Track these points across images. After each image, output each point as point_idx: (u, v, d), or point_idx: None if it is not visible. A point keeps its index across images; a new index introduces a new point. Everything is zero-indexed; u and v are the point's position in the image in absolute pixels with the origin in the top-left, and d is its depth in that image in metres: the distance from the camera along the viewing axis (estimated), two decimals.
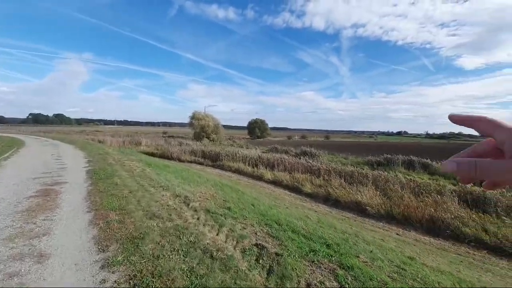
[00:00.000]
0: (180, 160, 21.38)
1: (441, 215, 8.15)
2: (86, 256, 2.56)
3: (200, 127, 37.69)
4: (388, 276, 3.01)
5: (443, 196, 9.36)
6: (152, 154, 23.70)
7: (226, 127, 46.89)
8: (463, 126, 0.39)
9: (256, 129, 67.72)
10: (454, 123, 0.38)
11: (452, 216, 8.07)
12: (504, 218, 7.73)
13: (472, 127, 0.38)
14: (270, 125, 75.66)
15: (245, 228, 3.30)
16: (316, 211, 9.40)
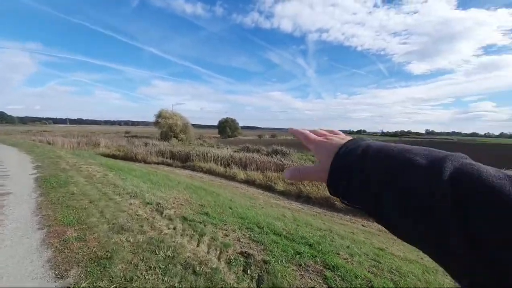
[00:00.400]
0: (146, 162, 19.94)
1: None
2: (41, 285, 2.08)
3: (167, 126, 35.65)
4: (369, 272, 3.08)
5: None
6: (113, 156, 21.69)
7: (195, 126, 45.31)
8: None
9: (226, 128, 66.87)
10: (292, 134, 0.49)
11: None
12: None
13: (300, 140, 0.47)
14: (240, 124, 75.42)
15: (227, 235, 3.07)
16: (290, 209, 9.54)
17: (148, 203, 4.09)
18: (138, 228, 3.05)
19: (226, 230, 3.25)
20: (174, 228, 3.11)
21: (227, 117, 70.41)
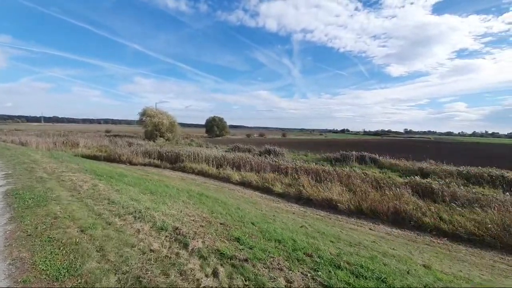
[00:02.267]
0: (131, 163, 18.12)
1: (404, 207, 8.50)
2: None
3: (152, 125, 33.25)
4: None
5: (400, 189, 9.94)
6: (95, 158, 19.51)
7: (181, 125, 42.99)
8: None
9: (214, 127, 64.66)
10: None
11: (413, 208, 8.50)
12: (455, 205, 8.46)
13: None
14: (227, 123, 73.58)
15: (290, 282, 2.13)
16: (294, 213, 8.78)
17: (162, 229, 3.01)
18: (162, 279, 1.99)
19: (281, 269, 2.33)
20: (216, 275, 2.09)
21: (214, 116, 68.19)
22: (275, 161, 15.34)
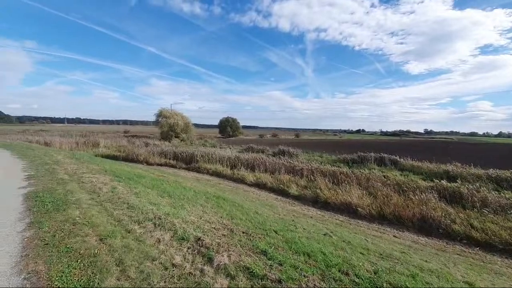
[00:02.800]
0: (148, 163, 18.38)
1: (431, 213, 7.86)
2: None
3: (168, 126, 33.78)
4: None
5: (426, 193, 9.22)
6: (114, 157, 20.00)
7: (195, 125, 43.45)
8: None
9: (227, 127, 64.71)
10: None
11: (442, 214, 7.83)
12: (486, 212, 7.73)
13: None
14: (240, 123, 73.57)
15: None
16: (312, 217, 8.35)
17: (183, 239, 2.76)
18: None
19: None
20: None
21: (228, 116, 68.19)
22: (290, 162, 14.93)
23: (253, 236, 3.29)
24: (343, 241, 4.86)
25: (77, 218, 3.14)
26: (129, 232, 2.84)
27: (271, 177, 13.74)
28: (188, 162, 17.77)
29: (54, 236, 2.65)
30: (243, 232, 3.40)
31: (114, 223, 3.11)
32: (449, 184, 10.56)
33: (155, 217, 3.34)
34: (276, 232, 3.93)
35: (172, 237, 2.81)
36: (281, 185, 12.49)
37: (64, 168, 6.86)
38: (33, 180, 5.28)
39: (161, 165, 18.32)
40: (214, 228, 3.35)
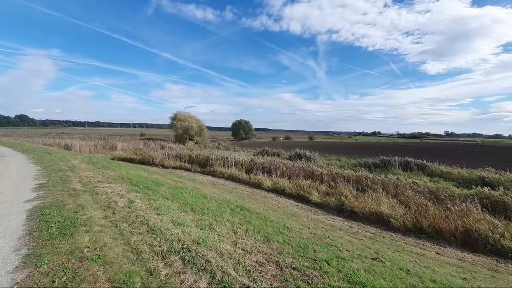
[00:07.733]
0: (164, 167, 18.10)
1: (476, 226, 6.79)
2: None
3: (182, 129, 33.74)
4: None
5: (466, 203, 8.09)
6: (130, 160, 19.94)
7: (207, 128, 43.51)
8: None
9: (240, 130, 64.11)
10: None
11: (489, 227, 6.74)
12: None
13: None
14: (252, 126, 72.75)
15: None
16: (341, 229, 7.45)
17: (221, 282, 2.09)
18: None
19: None
20: None
21: (240, 119, 67.57)
22: (309, 166, 14.04)
23: (307, 276, 2.57)
24: (400, 268, 4.00)
25: (85, 250, 2.54)
26: (151, 275, 2.18)
27: (290, 182, 12.90)
28: (203, 166, 17.29)
29: (53, 281, 2.03)
30: (294, 269, 2.68)
31: (132, 257, 2.48)
32: (492, 192, 9.32)
33: (182, 248, 2.68)
34: (327, 263, 3.18)
35: (209, 284, 2.11)
36: (301, 191, 11.61)
37: (78, 176, 6.45)
38: (43, 191, 4.81)
39: (176, 168, 17.97)
40: (257, 262, 2.65)
